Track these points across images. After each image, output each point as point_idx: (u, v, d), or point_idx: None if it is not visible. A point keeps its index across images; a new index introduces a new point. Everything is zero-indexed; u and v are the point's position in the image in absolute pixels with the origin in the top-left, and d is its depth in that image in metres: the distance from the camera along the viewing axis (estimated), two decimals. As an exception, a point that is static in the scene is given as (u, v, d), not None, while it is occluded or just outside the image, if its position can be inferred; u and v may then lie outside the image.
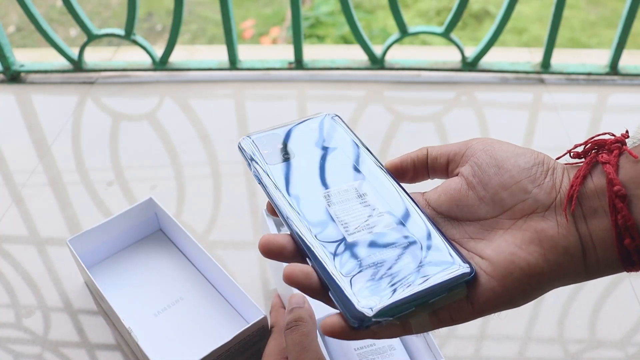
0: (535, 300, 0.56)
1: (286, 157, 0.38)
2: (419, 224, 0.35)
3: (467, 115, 0.81)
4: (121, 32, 0.87)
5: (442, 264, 0.32)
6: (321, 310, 0.47)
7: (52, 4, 2.26)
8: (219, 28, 2.08)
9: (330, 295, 0.32)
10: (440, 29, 0.84)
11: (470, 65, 0.87)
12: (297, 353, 0.42)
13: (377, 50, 0.88)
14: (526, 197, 0.32)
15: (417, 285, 0.31)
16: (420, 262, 0.33)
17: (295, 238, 0.34)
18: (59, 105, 0.86)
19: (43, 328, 0.56)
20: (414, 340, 0.47)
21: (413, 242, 0.34)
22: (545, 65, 0.87)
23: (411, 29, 0.85)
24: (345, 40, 1.94)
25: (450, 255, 0.33)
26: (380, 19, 2.10)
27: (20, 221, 0.67)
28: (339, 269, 0.32)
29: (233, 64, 0.90)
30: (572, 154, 0.34)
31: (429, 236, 0.34)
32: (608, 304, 0.56)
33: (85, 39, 0.88)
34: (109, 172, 0.73)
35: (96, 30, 0.87)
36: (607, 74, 0.87)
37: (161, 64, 0.90)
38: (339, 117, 0.41)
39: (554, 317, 0.55)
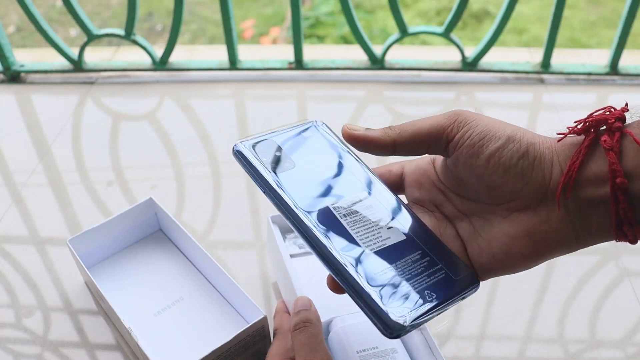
0: (536, 300, 0.56)
1: (287, 166, 0.38)
2: (426, 236, 0.36)
3: (467, 115, 0.81)
4: (121, 32, 0.87)
5: (457, 274, 0.35)
6: (326, 314, 0.48)
7: (52, 4, 2.26)
8: (219, 28, 2.08)
9: (360, 307, 0.33)
10: (440, 29, 0.84)
11: (470, 65, 0.87)
12: (307, 353, 0.42)
13: (377, 50, 0.88)
14: (516, 197, 0.32)
15: (441, 294, 0.34)
16: (438, 272, 0.35)
17: (320, 252, 0.35)
18: (59, 105, 0.86)
19: (43, 328, 0.56)
20: (416, 342, 0.47)
21: (426, 253, 0.35)
22: (545, 65, 0.87)
23: (411, 29, 0.85)
24: (345, 40, 1.94)
25: (462, 267, 0.35)
26: (380, 19, 2.10)
27: (20, 221, 0.67)
28: (366, 281, 0.33)
29: (233, 64, 0.90)
30: (572, 132, 0.32)
31: (437, 247, 0.36)
32: (608, 304, 0.56)
33: (85, 39, 0.88)
34: (109, 172, 0.73)
35: (96, 30, 0.87)
36: (607, 74, 0.87)
37: (161, 64, 0.90)
38: (326, 124, 0.42)
39: (554, 317, 0.55)
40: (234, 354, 0.47)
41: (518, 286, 0.58)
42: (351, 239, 0.35)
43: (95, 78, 0.91)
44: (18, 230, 0.66)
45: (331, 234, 0.35)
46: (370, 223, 0.36)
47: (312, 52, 0.95)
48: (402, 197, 0.41)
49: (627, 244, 0.31)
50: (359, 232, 0.36)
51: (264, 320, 0.48)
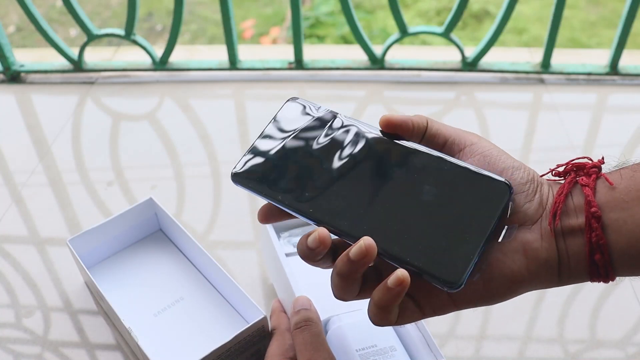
0: (535, 300, 0.56)
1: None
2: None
3: (467, 115, 0.81)
4: (121, 32, 0.87)
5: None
6: (323, 313, 0.48)
7: (52, 4, 2.26)
8: (219, 28, 2.08)
9: (414, 272, 0.33)
10: (440, 29, 0.84)
11: (470, 65, 0.87)
12: (310, 353, 0.42)
13: (377, 50, 0.88)
14: (517, 211, 0.35)
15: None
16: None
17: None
18: (59, 105, 0.86)
19: (43, 328, 0.56)
20: (415, 341, 0.47)
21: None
22: (545, 65, 0.87)
23: (411, 29, 0.85)
24: (345, 40, 1.94)
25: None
26: (380, 19, 2.10)
27: (20, 221, 0.67)
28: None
29: (233, 64, 0.90)
30: (553, 172, 0.37)
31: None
32: (608, 304, 0.56)
33: (85, 39, 0.88)
34: (109, 172, 0.73)
35: (96, 30, 0.87)
36: (607, 74, 0.86)
37: (161, 64, 0.90)
38: (297, 97, 0.42)
39: (554, 317, 0.55)
40: (234, 354, 0.47)
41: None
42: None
43: (95, 78, 0.91)
44: (18, 230, 0.66)
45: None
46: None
47: (312, 52, 0.95)
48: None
49: None
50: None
51: (263, 320, 0.48)
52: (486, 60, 0.88)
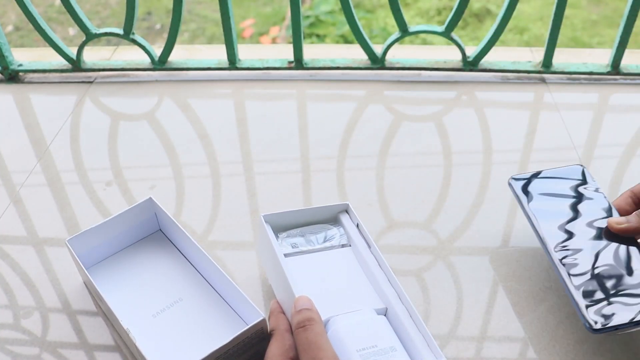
0: (536, 301, 0.55)
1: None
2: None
3: (468, 115, 0.81)
4: (120, 31, 0.87)
5: None
6: (324, 314, 0.47)
7: (50, 3, 2.26)
8: (219, 27, 2.08)
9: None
10: (440, 28, 0.84)
11: (471, 64, 0.87)
12: (315, 352, 0.42)
13: (378, 49, 0.88)
14: None
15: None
16: None
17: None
18: (58, 104, 0.85)
19: (41, 329, 0.56)
20: (415, 341, 0.47)
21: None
22: (547, 64, 0.86)
23: (412, 28, 0.84)
24: (345, 40, 1.94)
25: None
26: (381, 18, 2.10)
27: (19, 221, 0.67)
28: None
29: (232, 63, 0.89)
30: None
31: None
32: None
33: (83, 38, 0.88)
34: (108, 172, 0.73)
35: (95, 30, 0.87)
36: (608, 73, 0.86)
37: (160, 63, 0.90)
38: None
39: (554, 317, 0.55)
40: (232, 355, 0.47)
41: (519, 286, 0.58)
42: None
43: (93, 77, 0.91)
44: (16, 231, 0.66)
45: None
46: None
47: (312, 52, 0.95)
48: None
49: None
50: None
51: (263, 322, 0.47)
52: (487, 60, 0.88)
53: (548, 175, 0.59)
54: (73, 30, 2.12)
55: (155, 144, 0.77)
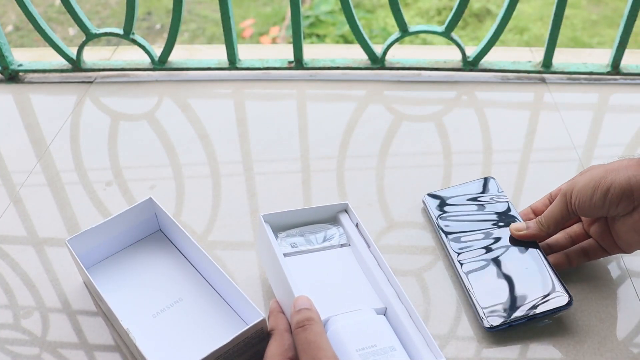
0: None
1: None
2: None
3: (468, 115, 0.81)
4: (120, 31, 0.87)
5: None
6: (323, 313, 0.47)
7: (50, 3, 2.26)
8: (218, 27, 2.08)
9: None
10: (440, 28, 0.84)
11: (471, 64, 0.87)
12: (314, 352, 0.42)
13: (378, 49, 0.88)
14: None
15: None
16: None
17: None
18: (58, 104, 0.85)
19: (41, 329, 0.56)
20: (415, 341, 0.47)
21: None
22: (547, 64, 0.86)
23: (412, 28, 0.84)
24: (345, 40, 1.94)
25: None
26: (381, 18, 2.10)
27: (19, 221, 0.67)
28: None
29: (232, 63, 0.89)
30: None
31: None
32: (608, 304, 0.56)
33: (83, 38, 0.88)
34: (108, 172, 0.73)
35: (95, 30, 0.87)
36: (608, 73, 0.86)
37: (160, 63, 0.90)
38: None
39: (554, 317, 0.55)
40: (232, 355, 0.47)
41: (519, 287, 0.58)
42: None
43: (93, 77, 0.91)
44: (16, 231, 0.66)
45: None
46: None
47: (312, 52, 0.95)
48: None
49: None
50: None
51: (262, 322, 0.47)
52: (487, 60, 0.88)
53: (457, 194, 0.64)
54: (73, 30, 2.12)
55: (155, 144, 0.77)
